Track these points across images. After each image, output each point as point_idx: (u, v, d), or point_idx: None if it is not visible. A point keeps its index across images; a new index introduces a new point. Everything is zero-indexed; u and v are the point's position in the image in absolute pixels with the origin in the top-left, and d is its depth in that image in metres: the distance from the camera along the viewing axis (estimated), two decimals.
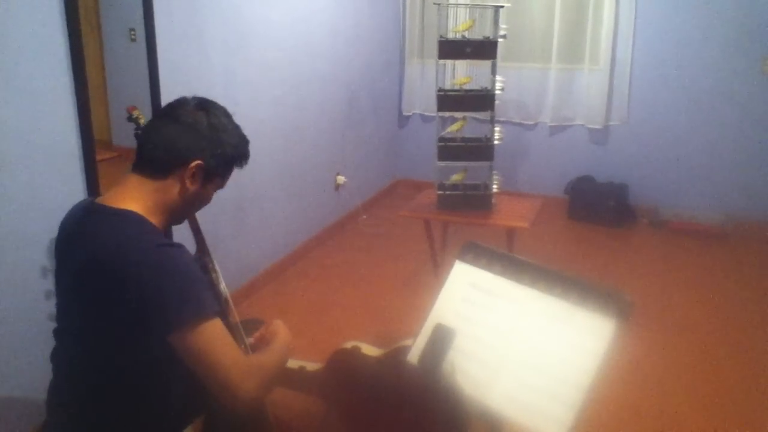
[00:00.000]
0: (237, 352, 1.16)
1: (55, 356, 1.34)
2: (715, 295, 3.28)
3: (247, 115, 3.00)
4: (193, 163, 1.28)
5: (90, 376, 1.26)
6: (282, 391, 1.61)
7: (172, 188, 1.28)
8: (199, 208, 1.40)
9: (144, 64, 2.36)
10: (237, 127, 1.38)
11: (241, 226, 3.10)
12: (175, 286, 1.14)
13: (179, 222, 1.40)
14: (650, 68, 4.29)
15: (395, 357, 1.43)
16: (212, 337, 1.13)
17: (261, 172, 3.20)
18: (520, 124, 4.70)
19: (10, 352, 1.95)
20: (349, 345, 1.55)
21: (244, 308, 2.99)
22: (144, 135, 1.31)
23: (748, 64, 4.02)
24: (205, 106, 1.33)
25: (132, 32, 2.38)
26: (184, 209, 1.35)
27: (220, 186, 1.39)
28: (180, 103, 1.32)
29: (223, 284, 1.48)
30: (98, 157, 2.15)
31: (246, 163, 1.40)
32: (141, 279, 1.12)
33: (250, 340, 1.46)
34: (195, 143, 1.28)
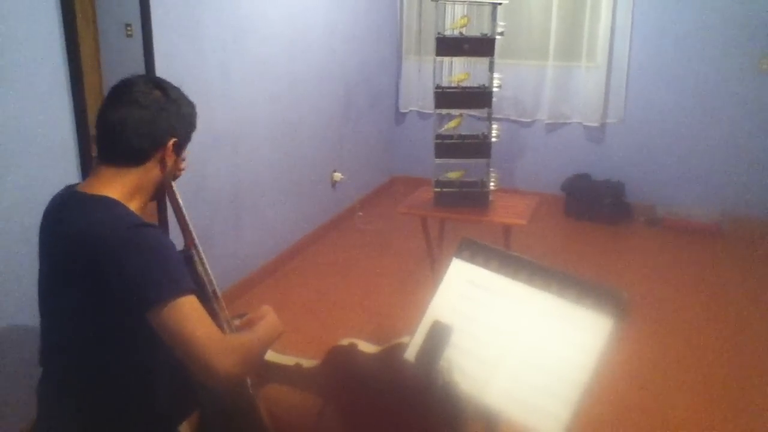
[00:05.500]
0: (213, 328, 1.16)
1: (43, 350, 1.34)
2: (712, 292, 3.29)
3: (243, 111, 3.01)
4: (170, 142, 1.31)
5: (77, 367, 1.27)
6: (277, 388, 1.61)
7: (151, 170, 1.31)
8: (174, 179, 1.43)
9: (140, 59, 2.35)
10: (185, 94, 1.39)
11: (237, 222, 3.10)
12: (149, 264, 1.16)
13: (156, 197, 1.42)
14: (647, 66, 4.30)
15: (392, 354, 1.42)
16: (188, 313, 1.14)
17: (257, 168, 3.18)
18: (516, 122, 4.71)
19: (1, 348, 1.94)
20: (345, 342, 1.55)
21: (240, 305, 2.98)
22: (108, 125, 1.28)
23: (745, 62, 4.03)
24: (156, 83, 1.34)
25: (128, 28, 2.37)
26: (162, 185, 1.38)
27: (184, 150, 1.41)
28: (131, 86, 1.30)
29: (213, 278, 1.47)
30: (93, 153, 2.15)
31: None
32: (116, 258, 1.14)
33: (236, 322, 1.46)
34: (167, 123, 1.31)
